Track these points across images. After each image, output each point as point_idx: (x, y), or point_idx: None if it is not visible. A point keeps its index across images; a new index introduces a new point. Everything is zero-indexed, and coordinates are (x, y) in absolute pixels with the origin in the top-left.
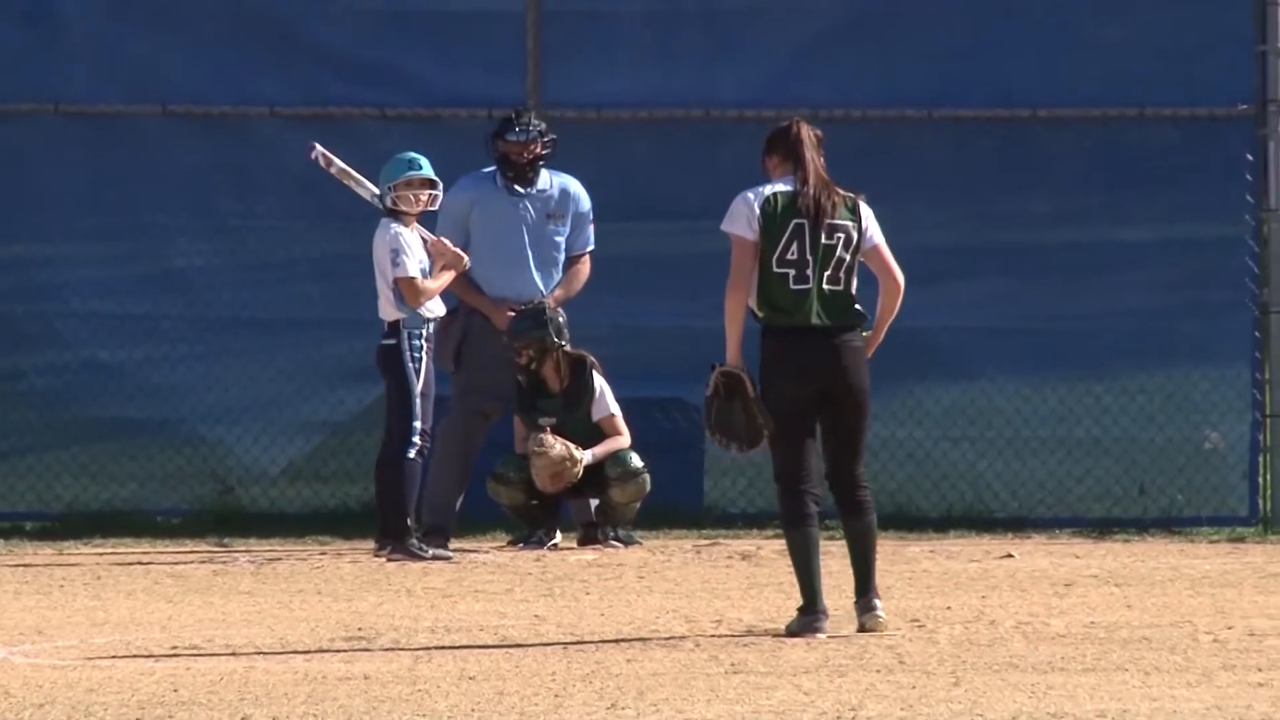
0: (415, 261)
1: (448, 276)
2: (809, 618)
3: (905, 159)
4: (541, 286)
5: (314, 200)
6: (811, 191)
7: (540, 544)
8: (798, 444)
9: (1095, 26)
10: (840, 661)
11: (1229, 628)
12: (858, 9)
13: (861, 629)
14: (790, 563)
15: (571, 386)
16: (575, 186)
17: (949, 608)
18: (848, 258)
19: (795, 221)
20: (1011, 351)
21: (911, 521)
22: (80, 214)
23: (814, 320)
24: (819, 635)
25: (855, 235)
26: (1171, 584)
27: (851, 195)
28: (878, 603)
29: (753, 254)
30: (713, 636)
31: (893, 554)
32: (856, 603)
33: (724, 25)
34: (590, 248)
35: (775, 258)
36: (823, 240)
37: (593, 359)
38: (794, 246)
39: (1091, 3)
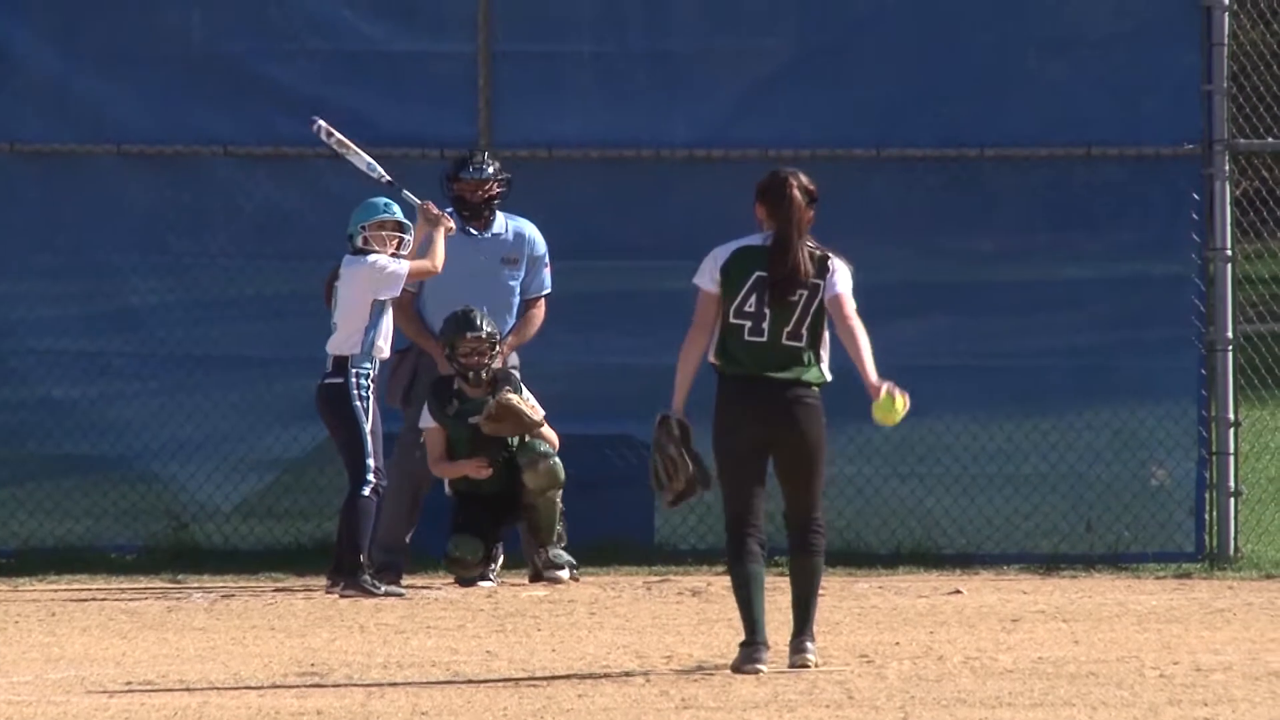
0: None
1: (441, 239)
2: (750, 649)
3: (853, 198)
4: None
5: (267, 239)
6: (786, 255)
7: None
8: (746, 488)
9: (1041, 65)
10: (790, 697)
11: (1175, 663)
12: (805, 50)
13: (791, 666)
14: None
15: (495, 390)
16: (531, 230)
17: (897, 643)
18: (809, 315)
19: (757, 274)
20: (959, 389)
21: (860, 558)
22: (34, 252)
23: (766, 372)
24: (759, 667)
25: (819, 291)
26: (1118, 620)
27: (822, 252)
28: (809, 645)
29: (713, 306)
30: (663, 672)
31: (841, 590)
32: (791, 642)
33: (673, 66)
34: (546, 291)
35: (733, 309)
36: (784, 296)
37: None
38: (752, 299)
39: (1037, 42)
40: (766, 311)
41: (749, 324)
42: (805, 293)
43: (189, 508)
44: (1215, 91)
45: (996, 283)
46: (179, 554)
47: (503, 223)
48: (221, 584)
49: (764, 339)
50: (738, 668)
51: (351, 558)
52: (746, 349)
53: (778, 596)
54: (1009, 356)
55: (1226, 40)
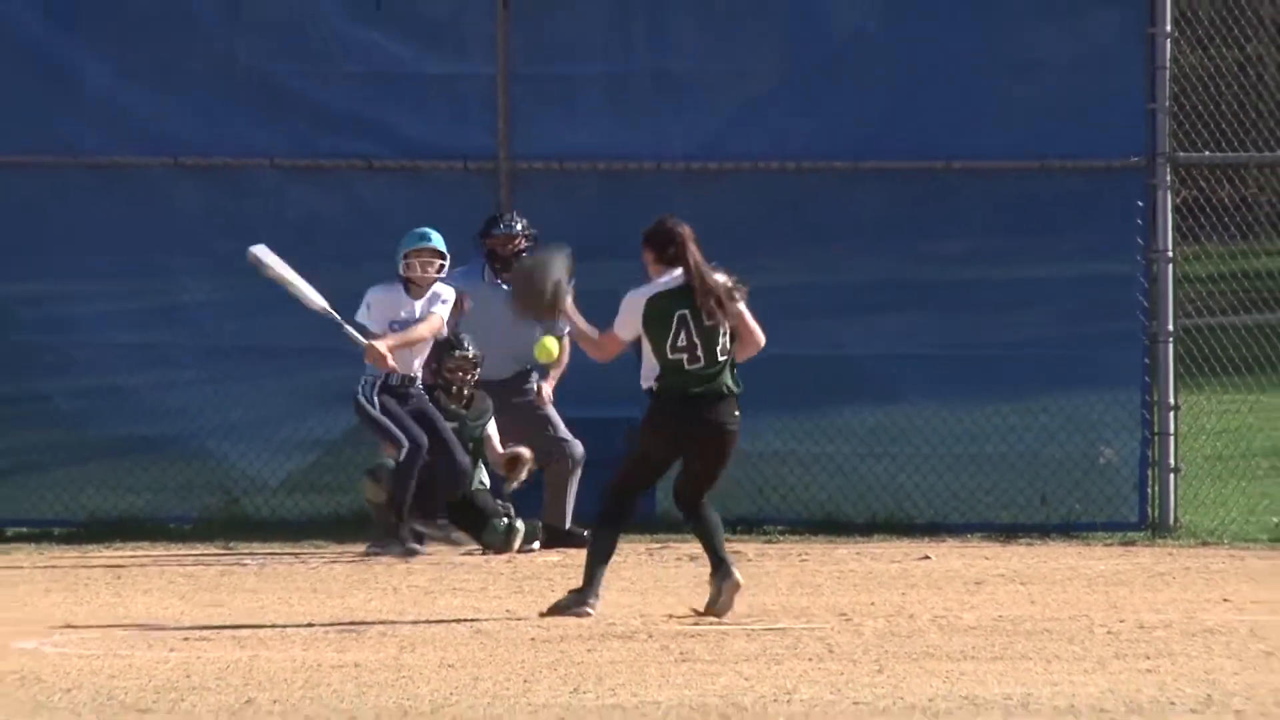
0: (370, 316)
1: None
2: (585, 596)
3: (835, 206)
4: (519, 367)
5: (306, 242)
6: (704, 292)
7: (393, 552)
8: (649, 479)
9: (1006, 87)
10: (777, 651)
11: (1121, 621)
12: (792, 72)
13: (734, 590)
14: (590, 556)
15: (471, 406)
16: None
17: (873, 603)
18: (726, 338)
19: (679, 313)
20: (929, 377)
21: (839, 527)
22: (96, 255)
23: (705, 389)
24: (589, 613)
25: (731, 316)
26: (1070, 582)
27: (725, 280)
28: (735, 570)
29: (620, 347)
30: (664, 629)
31: (822, 555)
32: (715, 575)
33: (672, 87)
34: (568, 330)
35: (668, 347)
36: (705, 323)
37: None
38: (682, 334)
39: (1000, 65)
40: (697, 341)
41: (686, 355)
42: (724, 318)
43: (240, 483)
44: (1158, 110)
45: (963, 282)
46: (231, 524)
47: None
48: (269, 551)
49: (703, 364)
50: (566, 609)
51: (391, 520)
52: (688, 376)
53: (765, 563)
54: (974, 348)
55: (1168, 64)
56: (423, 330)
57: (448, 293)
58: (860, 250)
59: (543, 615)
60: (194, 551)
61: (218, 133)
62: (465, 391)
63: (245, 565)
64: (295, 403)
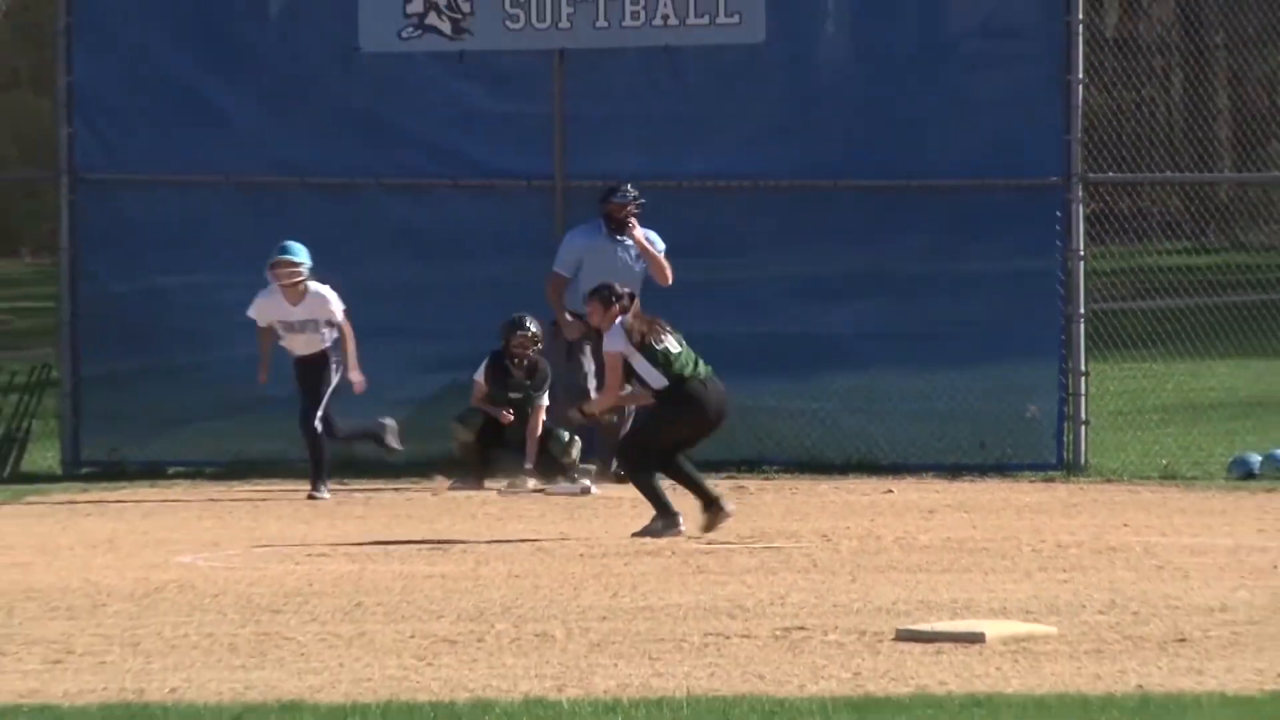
0: (256, 315)
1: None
2: (673, 519)
3: (818, 215)
4: None
5: (404, 244)
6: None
7: (469, 487)
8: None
9: (951, 121)
10: (772, 565)
11: (1043, 541)
12: (783, 111)
13: (727, 517)
14: (647, 495)
15: (534, 376)
16: (655, 235)
17: (848, 527)
18: None
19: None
20: (892, 349)
21: (821, 467)
22: (239, 253)
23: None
24: (681, 531)
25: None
26: (1003, 511)
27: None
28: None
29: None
30: (683, 547)
31: (809, 490)
32: (708, 510)
33: (690, 122)
34: (663, 248)
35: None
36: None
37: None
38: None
39: (948, 104)
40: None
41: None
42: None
43: None
44: (1072, 140)
45: (919, 274)
46: (346, 464)
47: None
48: (375, 486)
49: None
50: (659, 533)
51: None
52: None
53: (774, 494)
54: (928, 326)
55: (1080, 104)
56: (349, 331)
57: (323, 290)
58: (838, 250)
59: (634, 536)
60: None
61: (337, 158)
62: (526, 364)
63: (355, 497)
64: (396, 369)
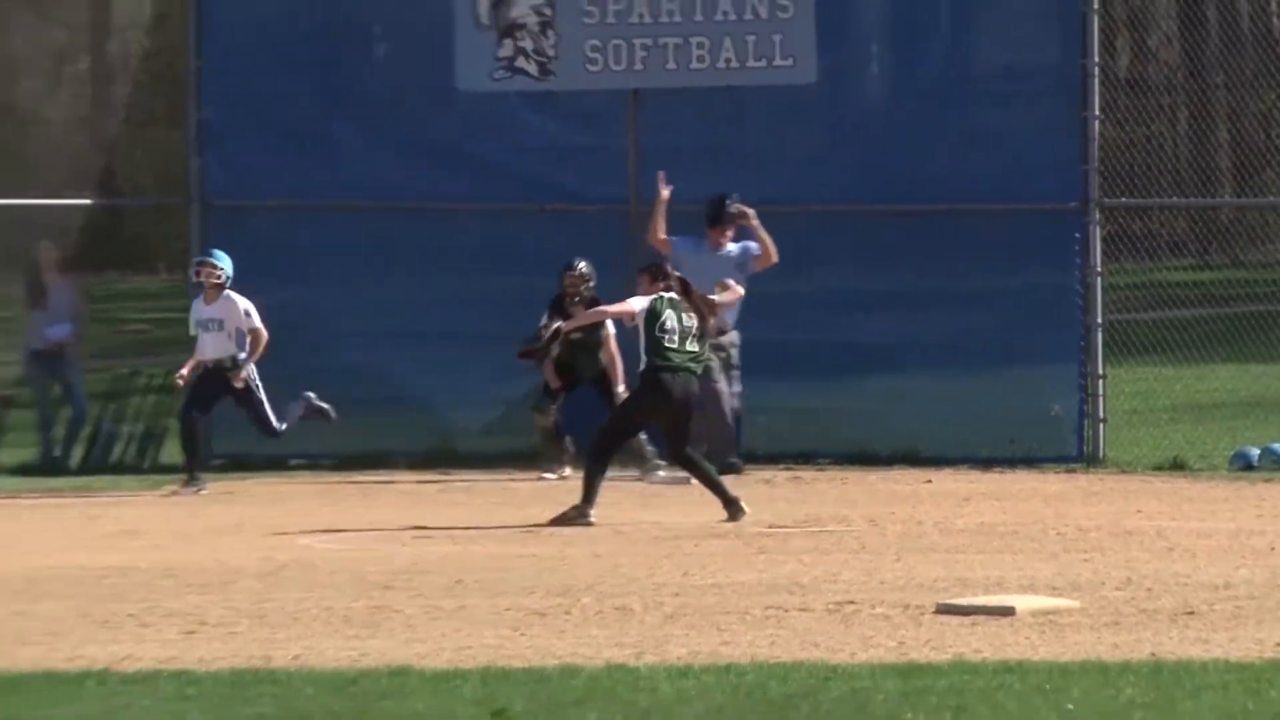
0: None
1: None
2: (585, 512)
3: (863, 235)
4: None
5: (480, 260)
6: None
7: (556, 470)
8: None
9: (981, 151)
10: (826, 547)
11: (1066, 525)
12: (828, 143)
13: (742, 515)
14: (585, 477)
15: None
16: (748, 247)
17: (893, 513)
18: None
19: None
20: (931, 355)
21: (869, 459)
22: (347, 271)
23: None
24: (591, 524)
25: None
26: (1030, 499)
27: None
28: (744, 506)
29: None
30: (747, 531)
31: (858, 480)
32: (728, 509)
33: (745, 153)
34: (757, 253)
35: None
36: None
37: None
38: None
39: (979, 136)
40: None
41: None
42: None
43: (451, 429)
44: (1090, 169)
45: (954, 289)
46: (445, 458)
47: (731, 246)
48: (472, 477)
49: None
50: (572, 520)
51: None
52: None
53: (813, 485)
54: (963, 334)
55: (1097, 136)
56: (261, 341)
57: (238, 298)
58: (881, 266)
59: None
60: (421, 478)
61: (434, 185)
62: (581, 302)
63: (455, 486)
64: (489, 372)
